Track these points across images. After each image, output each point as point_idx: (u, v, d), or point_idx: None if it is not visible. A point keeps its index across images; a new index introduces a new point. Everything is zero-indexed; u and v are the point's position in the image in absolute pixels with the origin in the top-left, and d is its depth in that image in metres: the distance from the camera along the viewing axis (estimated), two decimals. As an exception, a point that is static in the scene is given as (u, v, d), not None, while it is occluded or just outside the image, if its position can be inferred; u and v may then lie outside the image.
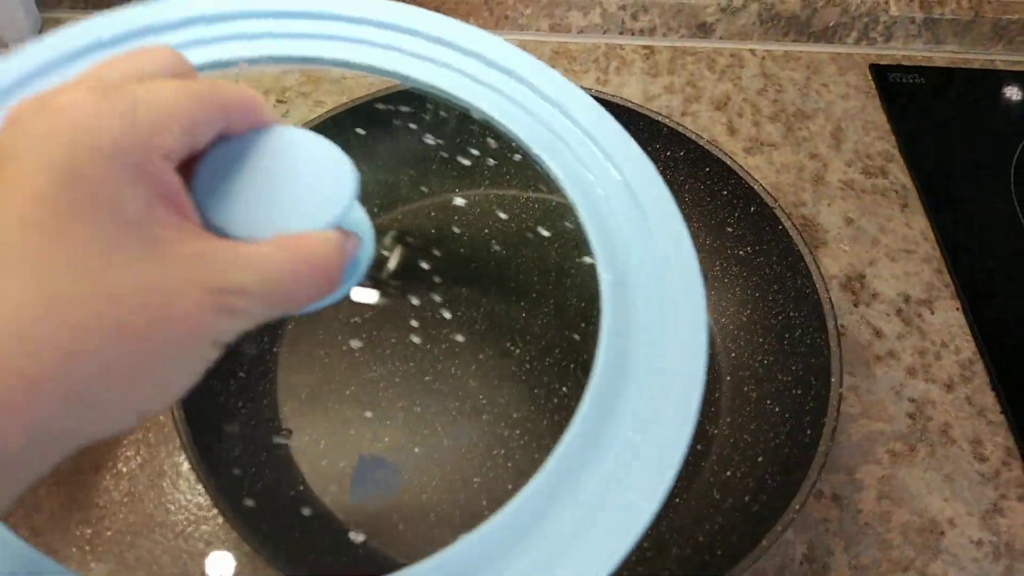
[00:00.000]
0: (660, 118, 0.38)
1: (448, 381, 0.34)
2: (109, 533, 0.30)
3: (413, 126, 0.37)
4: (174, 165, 0.15)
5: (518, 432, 0.33)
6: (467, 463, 0.32)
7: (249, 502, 0.28)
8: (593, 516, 0.18)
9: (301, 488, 0.31)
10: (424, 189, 0.40)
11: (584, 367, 0.35)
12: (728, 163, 0.37)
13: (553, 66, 0.52)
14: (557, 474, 0.19)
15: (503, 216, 0.40)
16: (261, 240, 0.16)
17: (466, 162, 0.39)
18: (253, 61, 0.25)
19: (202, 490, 0.31)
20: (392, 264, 0.36)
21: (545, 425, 0.34)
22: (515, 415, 0.34)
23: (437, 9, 0.47)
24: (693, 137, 0.38)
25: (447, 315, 0.36)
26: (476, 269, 0.38)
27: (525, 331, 0.36)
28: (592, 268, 0.23)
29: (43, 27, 0.47)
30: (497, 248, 0.39)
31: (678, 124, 0.38)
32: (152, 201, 0.14)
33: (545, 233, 0.40)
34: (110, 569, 0.29)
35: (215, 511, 0.31)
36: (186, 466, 0.32)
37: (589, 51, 0.49)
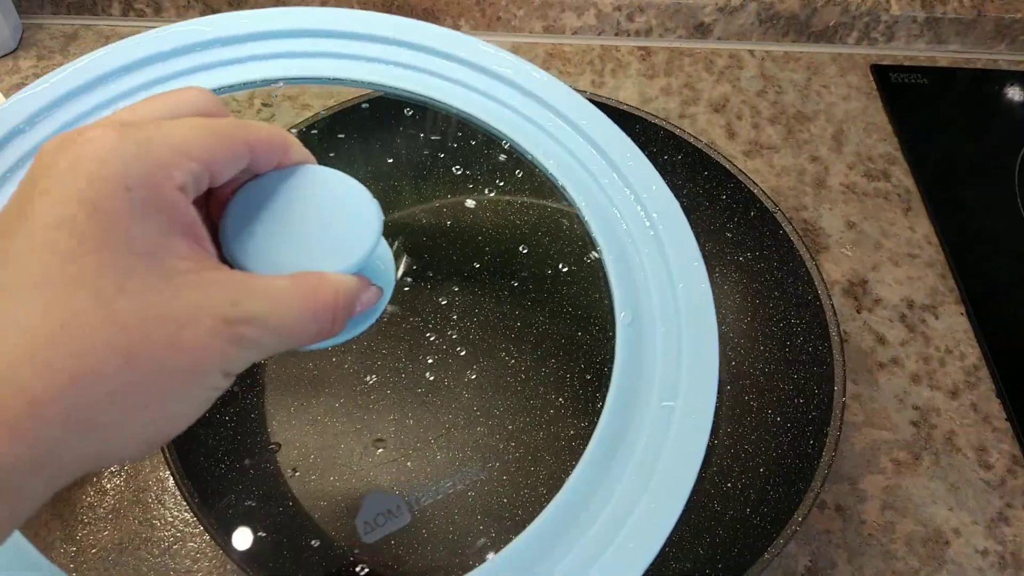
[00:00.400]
0: (657, 120, 0.37)
1: (441, 393, 0.33)
2: (94, 550, 0.30)
3: (402, 130, 0.36)
4: (191, 198, 0.16)
5: (513, 444, 0.32)
6: (461, 476, 0.31)
7: (236, 518, 0.27)
8: (587, 566, 0.18)
9: (289, 504, 0.30)
10: (412, 194, 0.39)
11: (580, 377, 0.34)
12: (727, 166, 0.36)
13: (547, 68, 0.52)
14: (556, 520, 0.19)
15: (496, 220, 0.40)
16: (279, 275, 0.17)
17: (453, 166, 0.38)
18: (290, 81, 0.25)
19: (187, 506, 0.31)
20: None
21: (541, 437, 0.33)
22: (510, 427, 0.33)
23: (428, 10, 0.47)
24: (691, 140, 0.37)
25: (440, 325, 0.35)
26: (469, 277, 0.38)
27: (520, 341, 0.35)
28: (586, 277, 0.22)
29: (24, 32, 0.46)
30: (491, 255, 0.39)
31: (676, 127, 0.37)
32: (167, 232, 0.15)
33: (542, 239, 0.39)
34: (94, 588, 0.29)
35: (201, 527, 0.30)
36: (171, 481, 0.31)
37: (584, 53, 0.49)
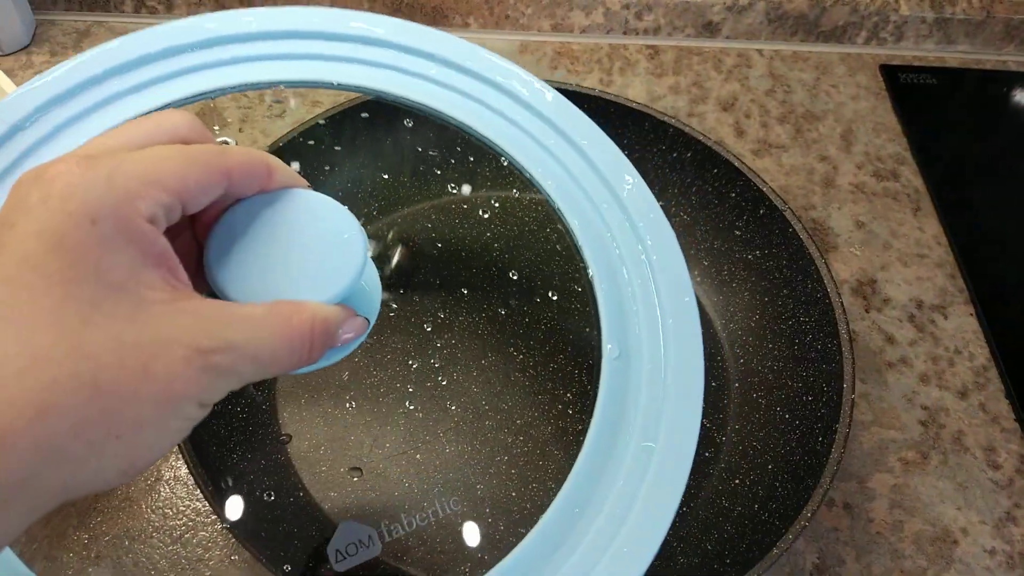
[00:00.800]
0: (666, 118, 0.38)
1: (450, 387, 0.34)
2: (107, 538, 0.30)
3: (411, 126, 0.36)
4: (162, 228, 0.16)
5: (521, 439, 0.33)
6: (469, 469, 0.32)
7: (248, 508, 0.27)
8: None
9: (300, 494, 0.30)
10: (423, 190, 0.39)
11: (589, 372, 0.35)
12: (736, 164, 0.36)
13: (555, 67, 0.52)
14: (528, 558, 0.19)
15: (503, 218, 0.40)
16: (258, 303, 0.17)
17: (464, 164, 0.38)
18: (291, 84, 0.25)
19: (200, 495, 0.31)
20: (391, 268, 0.36)
21: (549, 431, 0.33)
22: (518, 421, 0.33)
23: (437, 8, 0.47)
24: (700, 138, 0.37)
25: (448, 320, 0.36)
26: (477, 273, 0.38)
27: (528, 336, 0.35)
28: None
29: (37, 29, 0.46)
30: (498, 252, 0.39)
31: (685, 124, 0.37)
32: (138, 264, 0.15)
33: (547, 238, 0.39)
34: (107, 574, 0.29)
35: (213, 516, 0.30)
36: (184, 471, 0.32)
37: (592, 51, 0.49)
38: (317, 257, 0.18)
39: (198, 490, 0.31)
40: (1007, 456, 0.35)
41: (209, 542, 0.30)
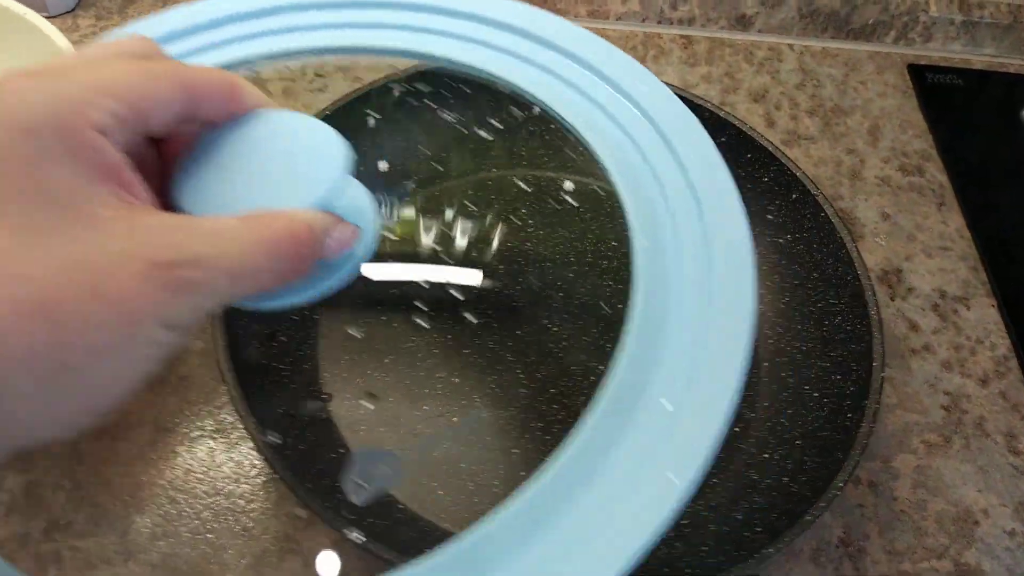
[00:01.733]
0: (701, 102, 0.38)
1: (487, 354, 0.34)
2: (152, 487, 0.30)
3: (450, 101, 0.37)
4: (115, 140, 0.14)
5: (555, 407, 0.33)
6: (505, 434, 0.32)
7: (293, 457, 0.28)
8: (625, 494, 0.18)
9: (341, 451, 0.31)
10: (460, 165, 0.40)
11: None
12: (770, 149, 0.37)
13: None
14: (587, 448, 0.18)
15: (532, 191, 0.40)
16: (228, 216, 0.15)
17: (495, 138, 0.38)
18: (317, 52, 0.24)
19: (242, 449, 0.32)
20: (429, 241, 0.37)
21: (583, 401, 0.34)
22: (552, 391, 0.34)
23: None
24: (735, 123, 0.38)
25: (487, 289, 0.36)
26: (513, 244, 0.39)
27: (563, 310, 0.36)
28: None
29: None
30: (532, 224, 0.39)
31: (720, 108, 0.38)
32: (82, 177, 0.14)
33: (578, 209, 0.40)
34: (152, 522, 0.29)
35: (254, 470, 0.31)
36: (228, 423, 0.32)
37: (627, 39, 0.50)
38: (294, 169, 0.17)
39: (240, 444, 0.32)
40: (1027, 443, 0.35)
41: (251, 495, 0.31)
